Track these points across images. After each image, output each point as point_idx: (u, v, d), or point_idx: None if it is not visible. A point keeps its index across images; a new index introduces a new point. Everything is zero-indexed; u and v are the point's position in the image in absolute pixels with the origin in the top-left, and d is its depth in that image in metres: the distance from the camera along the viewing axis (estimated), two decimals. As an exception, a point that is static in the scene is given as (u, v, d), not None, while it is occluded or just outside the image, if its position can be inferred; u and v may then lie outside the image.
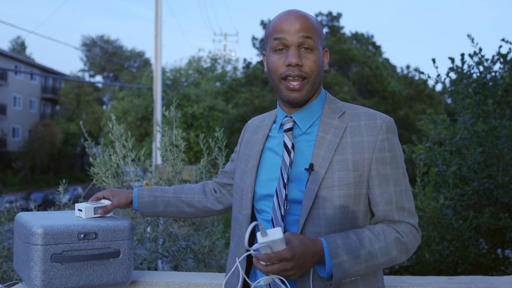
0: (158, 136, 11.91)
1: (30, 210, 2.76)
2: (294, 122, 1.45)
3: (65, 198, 2.91)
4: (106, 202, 1.84)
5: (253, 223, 1.17)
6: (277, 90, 1.43)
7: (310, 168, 1.35)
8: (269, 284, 1.36)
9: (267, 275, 1.23)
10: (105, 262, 1.82)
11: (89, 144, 2.99)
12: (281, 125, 1.48)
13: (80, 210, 1.84)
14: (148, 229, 2.96)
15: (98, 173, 2.91)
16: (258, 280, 1.27)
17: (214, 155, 2.97)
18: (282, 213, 1.35)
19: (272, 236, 1.19)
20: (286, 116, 1.47)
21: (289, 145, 1.40)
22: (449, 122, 3.95)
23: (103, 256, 1.81)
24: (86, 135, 3.04)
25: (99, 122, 41.07)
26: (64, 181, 2.87)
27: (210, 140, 2.96)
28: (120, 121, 26.26)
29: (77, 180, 37.34)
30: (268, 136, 1.53)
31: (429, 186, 3.58)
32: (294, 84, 1.38)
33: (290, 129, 1.44)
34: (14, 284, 2.00)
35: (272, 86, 1.46)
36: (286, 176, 1.37)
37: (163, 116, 3.66)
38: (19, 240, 1.86)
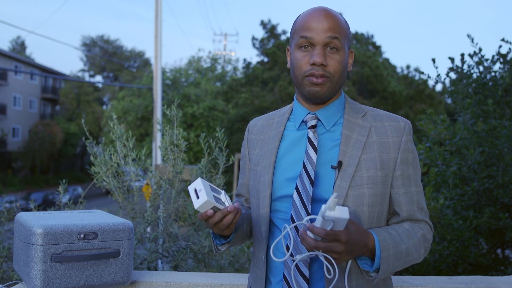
0: (158, 136, 11.92)
1: (30, 210, 2.75)
2: (318, 119, 1.43)
3: (65, 198, 2.91)
4: (224, 197, 1.35)
5: (334, 194, 1.13)
6: (299, 86, 1.42)
7: (339, 165, 1.34)
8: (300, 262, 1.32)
9: (311, 251, 1.18)
10: (105, 262, 1.83)
11: (91, 143, 2.99)
12: (303, 122, 1.45)
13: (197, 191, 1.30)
14: (148, 229, 2.95)
15: (99, 173, 2.91)
16: (303, 255, 1.21)
17: (215, 155, 2.96)
18: (309, 211, 1.32)
19: (340, 213, 1.14)
20: (309, 113, 1.44)
21: (315, 142, 1.39)
22: (449, 122, 3.95)
23: (103, 256, 1.81)
24: (87, 134, 3.04)
25: (99, 122, 41.07)
26: (64, 181, 2.87)
27: (211, 140, 2.95)
28: (120, 121, 26.23)
29: (77, 180, 37.34)
30: (282, 133, 1.48)
31: (429, 186, 3.58)
32: (318, 79, 1.37)
33: (314, 127, 1.42)
34: (14, 284, 2.00)
35: (294, 82, 1.45)
36: (313, 173, 1.35)
37: (164, 115, 3.66)
38: (19, 240, 1.86)
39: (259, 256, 1.45)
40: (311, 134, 1.40)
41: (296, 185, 1.36)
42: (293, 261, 1.25)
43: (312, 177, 1.34)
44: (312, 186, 1.34)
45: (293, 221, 1.34)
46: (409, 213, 1.39)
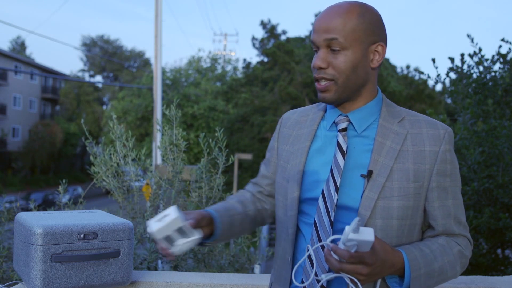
0: (158, 136, 11.92)
1: (30, 210, 2.75)
2: (349, 122, 1.34)
3: (65, 198, 2.91)
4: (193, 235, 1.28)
5: (357, 218, 1.07)
6: None
7: (369, 174, 1.27)
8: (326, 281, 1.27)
9: (336, 272, 1.14)
10: (105, 262, 1.82)
11: (90, 143, 2.99)
12: (334, 123, 1.37)
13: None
14: (148, 229, 2.95)
15: (98, 173, 2.91)
16: (328, 275, 1.18)
17: (214, 154, 2.96)
18: (332, 219, 1.27)
19: (364, 236, 1.10)
20: (340, 115, 1.36)
21: (344, 147, 1.31)
22: (449, 122, 3.96)
23: (103, 256, 1.81)
24: (87, 134, 3.04)
25: (99, 122, 41.12)
26: (64, 181, 2.86)
27: (210, 140, 2.95)
28: (120, 121, 26.23)
29: (77, 180, 37.36)
30: (315, 133, 1.40)
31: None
32: (322, 84, 1.31)
33: (345, 129, 1.34)
34: (14, 284, 2.00)
35: None
36: (339, 179, 1.28)
37: (163, 115, 3.66)
38: (19, 240, 1.86)
39: (285, 256, 1.40)
40: (340, 138, 1.33)
41: (323, 190, 1.30)
42: (318, 281, 1.22)
43: (338, 183, 1.28)
44: (337, 192, 1.28)
45: (316, 227, 1.29)
46: (444, 227, 1.31)
